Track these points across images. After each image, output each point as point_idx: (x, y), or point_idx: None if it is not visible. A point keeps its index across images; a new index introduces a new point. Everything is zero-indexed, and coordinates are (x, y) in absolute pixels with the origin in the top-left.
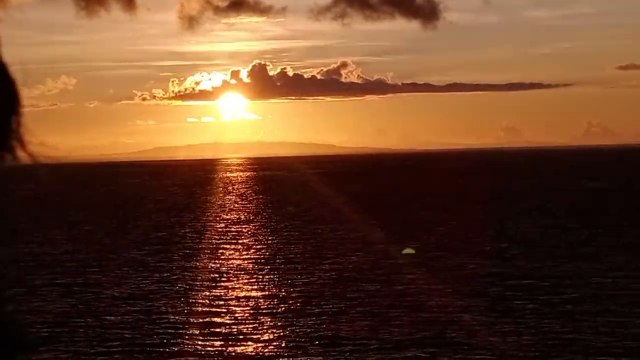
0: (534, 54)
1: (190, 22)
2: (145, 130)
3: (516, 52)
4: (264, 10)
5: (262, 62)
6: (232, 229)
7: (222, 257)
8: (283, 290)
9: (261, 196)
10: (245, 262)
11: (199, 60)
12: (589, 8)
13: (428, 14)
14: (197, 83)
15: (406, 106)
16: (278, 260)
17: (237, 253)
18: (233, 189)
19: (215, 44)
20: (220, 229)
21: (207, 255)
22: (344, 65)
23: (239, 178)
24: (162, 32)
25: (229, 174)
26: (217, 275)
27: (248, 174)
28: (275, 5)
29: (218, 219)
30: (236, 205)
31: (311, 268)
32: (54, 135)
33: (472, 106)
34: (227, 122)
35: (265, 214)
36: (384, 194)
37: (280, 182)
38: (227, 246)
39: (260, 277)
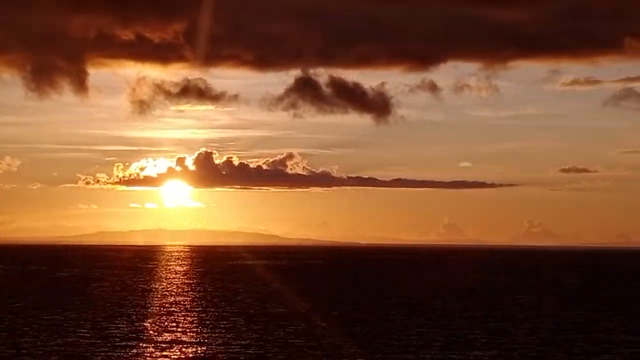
0: (478, 153)
1: (141, 107)
2: (88, 214)
3: (461, 150)
4: (215, 98)
5: (209, 150)
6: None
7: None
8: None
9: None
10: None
11: (145, 145)
12: (533, 110)
13: (380, 109)
14: (142, 169)
15: (350, 199)
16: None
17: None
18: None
19: (162, 131)
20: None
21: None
22: (290, 156)
23: (183, 266)
24: (110, 117)
25: (172, 262)
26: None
27: (190, 262)
28: (227, 92)
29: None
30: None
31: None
32: None
33: (415, 202)
34: (171, 208)
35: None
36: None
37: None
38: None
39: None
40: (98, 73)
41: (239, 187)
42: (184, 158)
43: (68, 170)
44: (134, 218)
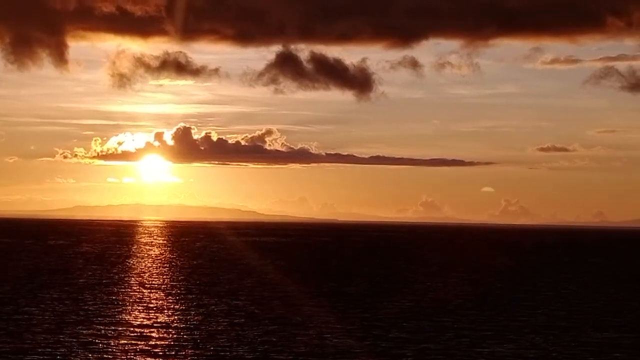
0: (457, 131)
1: (120, 80)
2: (65, 188)
3: (440, 128)
4: (194, 72)
5: (187, 126)
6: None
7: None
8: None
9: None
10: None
11: (123, 120)
12: (513, 88)
13: (361, 85)
14: (120, 143)
15: (329, 176)
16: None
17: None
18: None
19: (141, 105)
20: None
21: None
22: (269, 132)
23: (163, 241)
24: (89, 90)
25: (152, 237)
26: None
27: (169, 238)
28: (207, 66)
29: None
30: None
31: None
32: None
33: (393, 179)
34: (148, 183)
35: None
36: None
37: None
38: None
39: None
40: (77, 46)
41: (217, 162)
42: (162, 133)
43: (45, 144)
44: (111, 193)
